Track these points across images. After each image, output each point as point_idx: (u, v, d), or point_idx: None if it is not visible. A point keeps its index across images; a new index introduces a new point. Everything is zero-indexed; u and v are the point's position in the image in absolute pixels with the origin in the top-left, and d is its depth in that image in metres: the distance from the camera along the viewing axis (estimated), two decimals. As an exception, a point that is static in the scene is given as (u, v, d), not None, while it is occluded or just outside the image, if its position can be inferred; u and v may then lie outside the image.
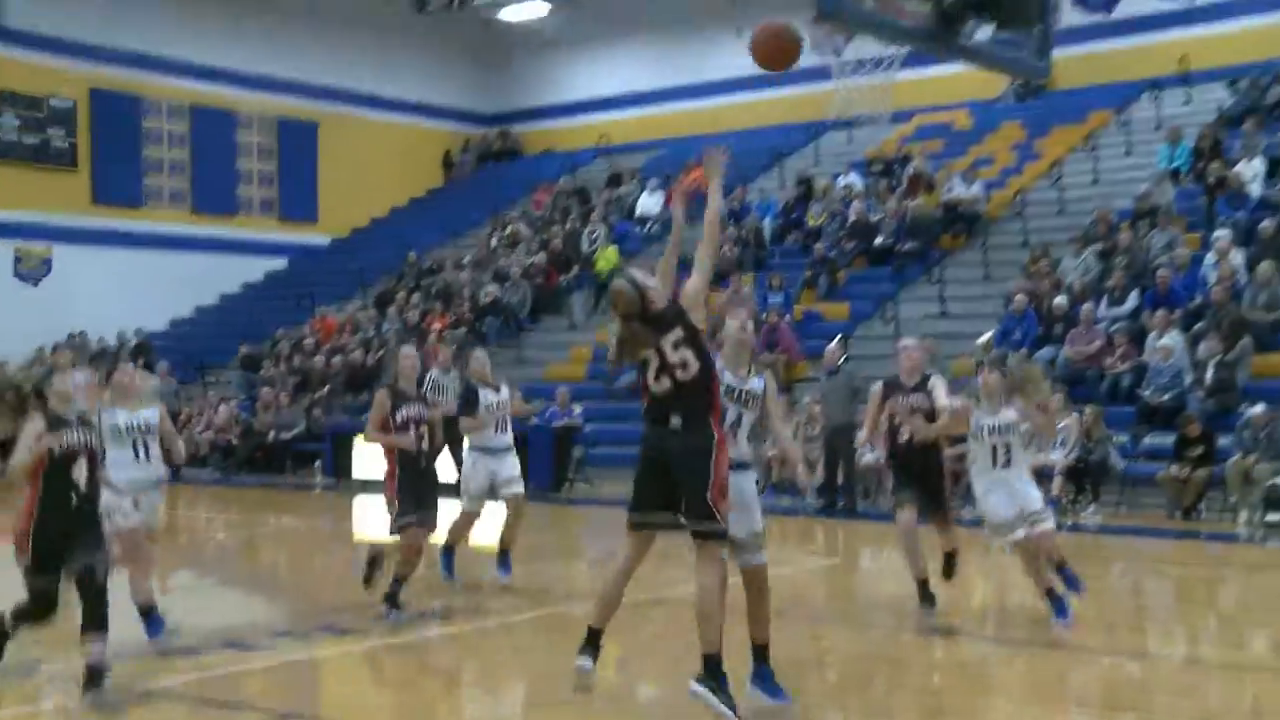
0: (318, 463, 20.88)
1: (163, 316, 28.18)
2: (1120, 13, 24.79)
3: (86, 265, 26.68)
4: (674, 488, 5.79)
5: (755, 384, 6.52)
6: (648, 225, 25.37)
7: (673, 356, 5.91)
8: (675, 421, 5.84)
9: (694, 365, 5.89)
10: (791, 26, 6.26)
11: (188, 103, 28.92)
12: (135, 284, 26.99)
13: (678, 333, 5.97)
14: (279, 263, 30.25)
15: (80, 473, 6.64)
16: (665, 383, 5.90)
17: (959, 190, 21.09)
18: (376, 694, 7.28)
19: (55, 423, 6.66)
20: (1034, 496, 8.29)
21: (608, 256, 22.86)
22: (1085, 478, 14.69)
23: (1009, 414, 8.22)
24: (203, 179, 29.19)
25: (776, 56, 6.11)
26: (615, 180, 27.54)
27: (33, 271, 26.71)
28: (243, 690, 7.14)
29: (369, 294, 26.25)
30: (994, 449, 8.22)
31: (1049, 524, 8.34)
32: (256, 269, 29.87)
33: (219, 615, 8.83)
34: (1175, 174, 19.63)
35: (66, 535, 6.59)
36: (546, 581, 10.71)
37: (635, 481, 5.97)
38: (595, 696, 6.14)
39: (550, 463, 18.02)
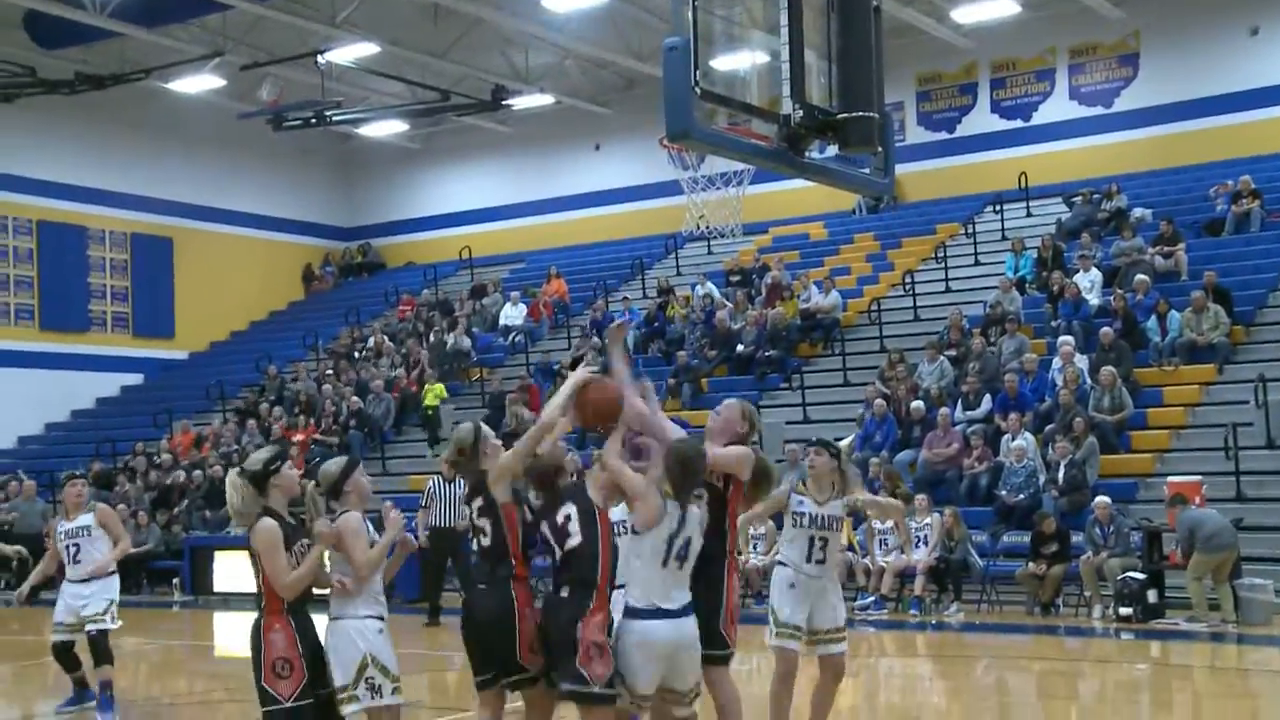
0: (175, 580, 20.26)
1: (10, 434, 27.20)
2: (961, 131, 26.05)
3: (-70, 384, 25.69)
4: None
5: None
6: (511, 335, 25.46)
7: (477, 521, 6.12)
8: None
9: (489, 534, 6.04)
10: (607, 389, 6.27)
11: (35, 218, 28.27)
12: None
13: (479, 501, 6.11)
14: (134, 378, 29.51)
15: None
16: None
17: (816, 299, 21.65)
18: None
19: None
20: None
21: (436, 391, 22.81)
22: (947, 577, 15.00)
23: (836, 505, 7.26)
24: (52, 295, 28.43)
25: (605, 412, 6.19)
26: (479, 292, 27.62)
27: None
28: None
29: (229, 408, 25.71)
30: (811, 540, 7.20)
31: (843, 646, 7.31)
32: (111, 384, 29.07)
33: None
34: (1021, 283, 20.47)
35: None
36: (419, 693, 10.48)
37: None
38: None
39: (416, 574, 17.73)
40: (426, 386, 23.00)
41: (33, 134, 27.49)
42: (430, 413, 22.49)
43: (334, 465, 6.14)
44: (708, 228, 22.24)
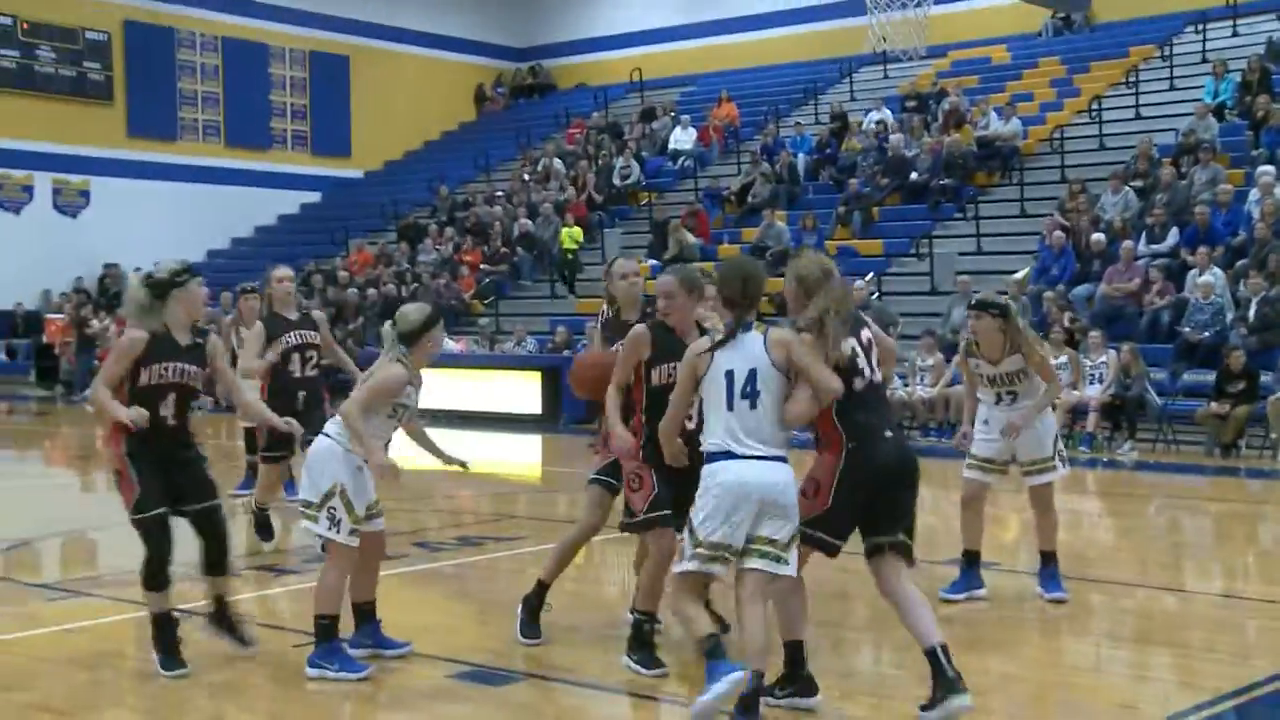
0: (352, 393, 20.98)
1: (199, 248, 28.21)
2: (1165, -56, 24.28)
3: (123, 198, 26.77)
4: None
5: None
6: (680, 160, 25.16)
7: None
8: None
9: None
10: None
11: (220, 35, 28.78)
12: (171, 216, 27.10)
13: None
14: (313, 196, 30.25)
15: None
16: None
17: (996, 126, 20.76)
18: (412, 616, 7.28)
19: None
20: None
21: (573, 235, 22.47)
22: (1122, 414, 14.52)
23: (1013, 362, 6.99)
24: (236, 113, 29.12)
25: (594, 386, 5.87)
26: (648, 115, 27.29)
27: (71, 204, 26.82)
28: (276, 612, 7.16)
29: (402, 225, 26.18)
30: (998, 395, 7.13)
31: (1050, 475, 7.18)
32: (290, 202, 29.88)
33: (250, 540, 8.84)
34: (1220, 109, 19.23)
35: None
36: (564, 511, 10.70)
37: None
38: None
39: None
40: (564, 230, 22.62)
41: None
42: (570, 256, 22.20)
43: (416, 312, 5.79)
44: (889, 49, 21.55)
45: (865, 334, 5.18)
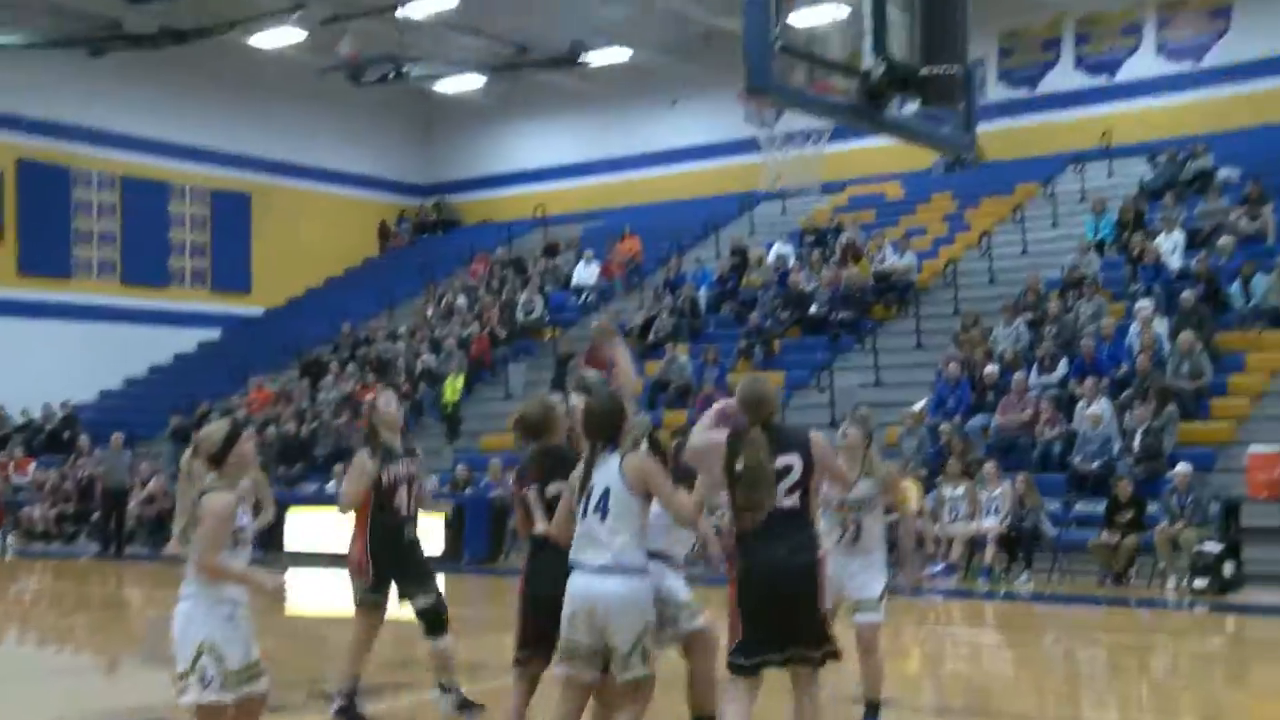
0: (248, 536, 20.59)
1: (91, 388, 27.75)
2: (1043, 88, 25.49)
3: (13, 337, 26.28)
4: None
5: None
6: (584, 295, 25.45)
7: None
8: None
9: None
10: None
11: (119, 174, 28.74)
12: (63, 355, 26.62)
13: None
14: (212, 333, 29.98)
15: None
16: None
17: (891, 260, 21.37)
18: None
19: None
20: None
21: (455, 386, 22.52)
22: (1018, 545, 14.81)
23: (865, 485, 7.13)
24: (133, 250, 28.93)
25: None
26: (552, 250, 27.63)
27: (-43, 344, 26.26)
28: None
29: (304, 363, 26.03)
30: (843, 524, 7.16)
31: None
32: (189, 340, 29.56)
33: (144, 694, 8.62)
34: (1100, 245, 20.05)
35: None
36: (483, 655, 10.57)
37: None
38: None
39: (486, 534, 17.95)
40: (448, 380, 22.47)
41: (117, 89, 27.91)
42: (449, 409, 22.14)
43: (216, 431, 5.53)
44: (784, 186, 22.20)
45: (783, 459, 5.57)
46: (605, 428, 5.73)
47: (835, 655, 5.71)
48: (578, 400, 6.27)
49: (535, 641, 6.09)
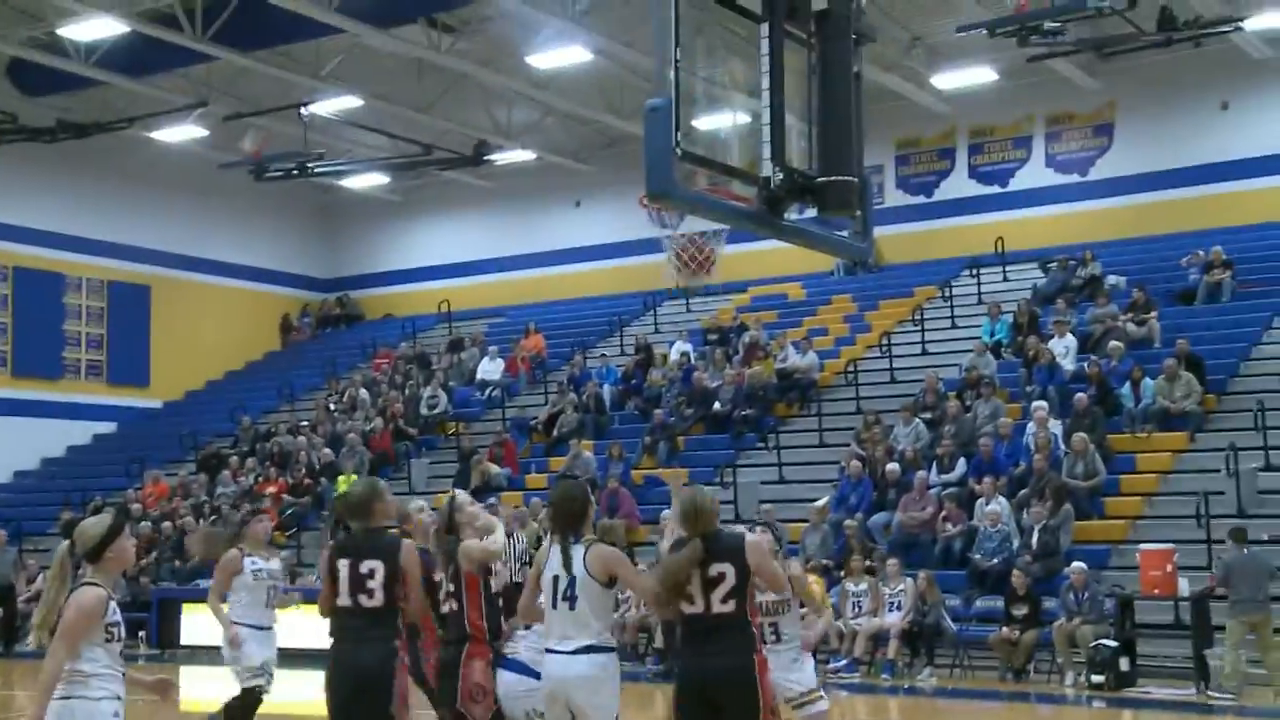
0: (142, 632, 19.99)
1: (-22, 480, 26.90)
2: (939, 195, 26.30)
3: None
4: None
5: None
6: (488, 390, 25.40)
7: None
8: None
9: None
10: None
11: (10, 264, 28.14)
12: (-51, 446, 25.81)
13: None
14: (108, 426, 29.24)
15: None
16: None
17: (794, 359, 21.69)
18: None
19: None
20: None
21: (349, 480, 22.14)
22: (920, 640, 14.94)
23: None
24: (25, 342, 28.23)
25: None
26: (456, 346, 27.57)
27: None
28: None
29: (202, 457, 25.50)
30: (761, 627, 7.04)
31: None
32: (83, 432, 28.81)
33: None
34: (997, 347, 20.59)
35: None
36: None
37: None
38: None
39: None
40: (340, 478, 21.95)
41: (11, 180, 27.41)
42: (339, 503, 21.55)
43: (95, 525, 5.38)
44: (687, 286, 22.48)
45: (716, 568, 5.79)
46: (570, 518, 6.11)
47: None
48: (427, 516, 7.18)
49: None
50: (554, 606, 6.00)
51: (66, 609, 5.16)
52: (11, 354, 28.13)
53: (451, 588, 6.81)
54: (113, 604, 5.27)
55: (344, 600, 6.39)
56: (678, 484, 7.25)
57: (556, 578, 6.00)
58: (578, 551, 6.01)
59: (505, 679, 6.68)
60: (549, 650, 6.05)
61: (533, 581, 6.22)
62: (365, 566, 6.35)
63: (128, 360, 29.98)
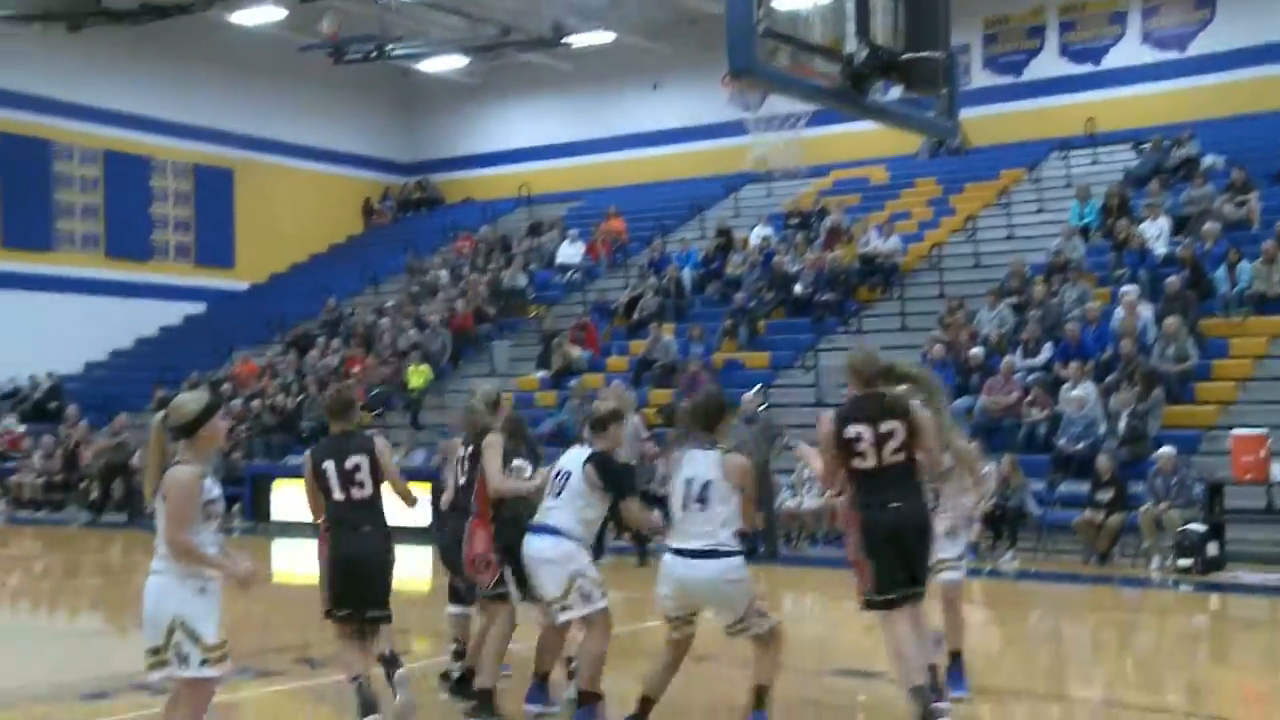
0: (236, 506, 20.50)
1: (76, 360, 27.55)
2: (1028, 75, 25.52)
3: (-1, 310, 26.12)
4: None
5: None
6: (568, 273, 25.38)
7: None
8: None
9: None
10: None
11: (101, 148, 28.46)
12: (49, 328, 26.43)
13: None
14: (197, 307, 29.81)
15: None
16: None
17: (876, 243, 21.37)
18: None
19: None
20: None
21: (421, 374, 22.24)
22: (1003, 524, 14.83)
23: None
24: (116, 224, 28.69)
25: None
26: (536, 230, 27.54)
27: (-58, 316, 26.03)
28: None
29: (287, 339, 25.89)
30: None
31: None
32: (173, 313, 29.39)
33: (133, 660, 8.51)
34: (1085, 230, 20.08)
35: None
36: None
37: None
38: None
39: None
40: (411, 368, 22.11)
41: (99, 65, 27.66)
42: (415, 395, 21.74)
43: (191, 402, 5.34)
44: (770, 169, 22.17)
45: (888, 424, 6.30)
46: (710, 422, 6.40)
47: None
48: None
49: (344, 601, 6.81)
50: (684, 508, 6.23)
51: (166, 492, 5.17)
52: (104, 236, 28.60)
53: (468, 465, 7.22)
54: (206, 481, 5.25)
55: (338, 495, 6.79)
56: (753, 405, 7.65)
57: (690, 480, 6.23)
58: (714, 456, 6.26)
59: (536, 544, 6.82)
60: (676, 551, 6.26)
61: (547, 474, 6.96)
62: (350, 463, 6.80)
63: (214, 243, 30.40)
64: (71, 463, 21.92)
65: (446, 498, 7.41)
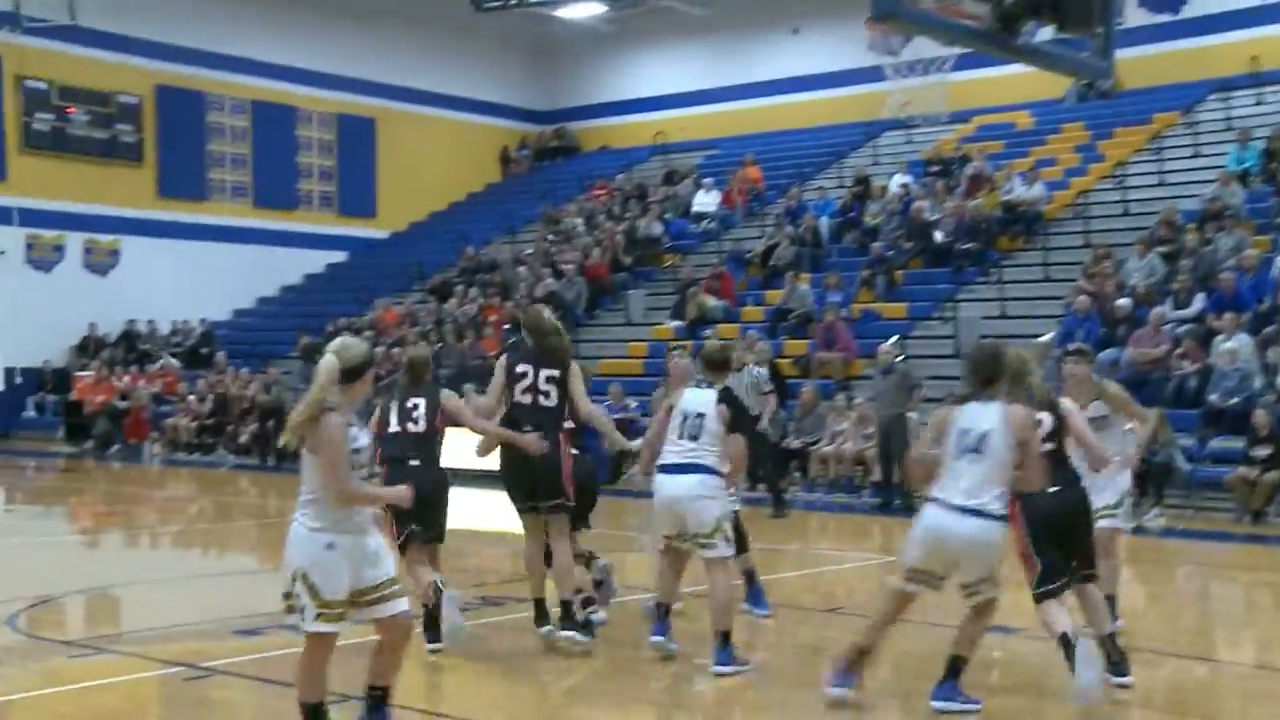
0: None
1: (226, 307, 28.47)
2: (1188, 12, 24.41)
3: (153, 257, 27.06)
4: None
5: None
6: (704, 222, 25.27)
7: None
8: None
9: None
10: None
11: (249, 98, 29.19)
12: (199, 275, 27.38)
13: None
14: (339, 255, 30.51)
15: None
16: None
17: (1019, 191, 20.80)
18: (441, 677, 7.25)
19: None
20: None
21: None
22: (1149, 480, 14.38)
23: (1096, 407, 7.50)
24: (264, 174, 29.46)
25: None
26: (671, 178, 27.46)
27: (101, 263, 27.08)
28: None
29: (427, 287, 26.32)
30: None
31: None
32: (317, 261, 30.14)
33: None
34: (1244, 176, 19.24)
35: None
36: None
37: None
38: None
39: (606, 457, 17.98)
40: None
41: (248, 16, 28.42)
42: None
43: (359, 346, 5.39)
44: (911, 115, 21.69)
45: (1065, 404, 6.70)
46: (985, 373, 6.28)
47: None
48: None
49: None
50: (958, 458, 6.15)
51: (319, 441, 5.17)
52: (252, 185, 29.39)
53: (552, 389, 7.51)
54: (353, 430, 5.27)
55: (394, 427, 7.52)
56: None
57: (967, 431, 6.15)
58: (994, 409, 6.17)
59: (687, 481, 6.93)
60: (939, 500, 6.18)
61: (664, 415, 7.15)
62: (411, 402, 7.57)
63: (356, 192, 31.04)
64: (222, 407, 22.66)
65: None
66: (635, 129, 31.57)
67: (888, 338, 17.52)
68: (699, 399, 7.00)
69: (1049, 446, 6.49)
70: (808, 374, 18.34)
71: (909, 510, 14.88)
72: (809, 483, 16.55)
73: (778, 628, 8.47)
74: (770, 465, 14.85)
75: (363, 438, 5.33)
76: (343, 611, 5.25)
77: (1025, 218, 20.60)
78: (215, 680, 6.90)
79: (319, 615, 5.19)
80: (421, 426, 7.49)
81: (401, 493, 5.55)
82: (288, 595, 5.27)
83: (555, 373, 7.42)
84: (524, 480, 7.41)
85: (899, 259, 20.72)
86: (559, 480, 7.37)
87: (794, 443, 16.63)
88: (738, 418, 7.00)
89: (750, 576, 8.46)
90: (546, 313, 7.77)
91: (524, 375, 7.44)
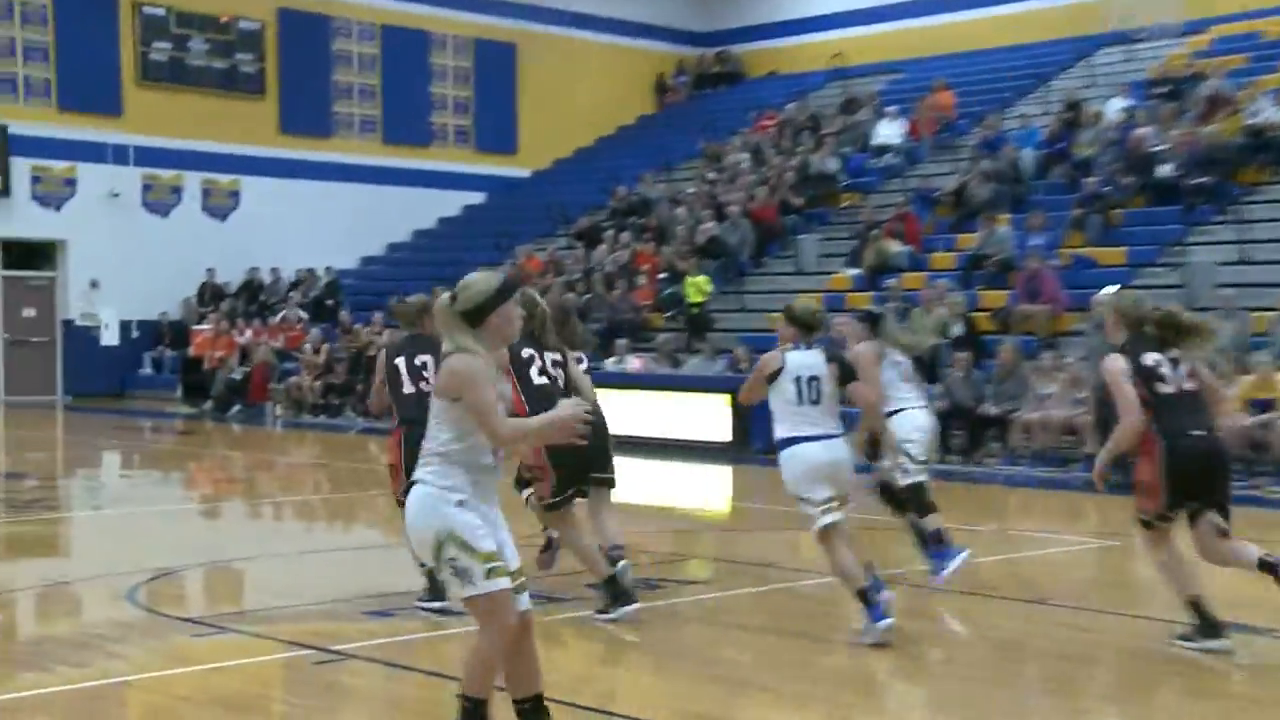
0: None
1: (353, 254, 29.04)
2: None
3: (274, 199, 27.72)
4: None
5: None
6: (886, 156, 24.88)
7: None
8: None
9: None
10: None
11: (379, 23, 29.61)
12: (324, 219, 27.98)
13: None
14: (476, 197, 30.85)
15: None
16: None
17: (1268, 113, 19.95)
18: (579, 665, 7.27)
19: None
20: None
21: (698, 285, 21.44)
22: None
23: None
24: (394, 107, 29.91)
25: None
26: (849, 107, 27.08)
27: (221, 206, 27.85)
28: (439, 656, 7.20)
29: (573, 231, 26.46)
30: None
31: None
32: (452, 203, 30.50)
33: (414, 578, 8.89)
34: None
35: None
36: (751, 551, 10.56)
37: None
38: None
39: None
40: (689, 280, 21.53)
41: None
42: (695, 310, 21.23)
43: (483, 282, 5.04)
44: (1133, 28, 20.93)
45: (1173, 351, 7.24)
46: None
47: None
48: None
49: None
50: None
51: (449, 386, 4.94)
52: (381, 119, 29.86)
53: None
54: (494, 373, 5.00)
55: (408, 389, 8.03)
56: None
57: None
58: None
59: (836, 448, 7.53)
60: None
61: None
62: (419, 360, 8.01)
63: (494, 126, 31.32)
64: (354, 366, 23.12)
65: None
66: (808, 51, 31.26)
67: (1103, 287, 16.97)
68: (807, 361, 7.50)
69: (1190, 384, 7.25)
70: (1007, 329, 17.95)
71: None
72: (1009, 454, 16.20)
73: (969, 620, 8.32)
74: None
75: (505, 390, 5.12)
76: (503, 566, 4.97)
77: (1274, 145, 19.76)
78: (347, 665, 7.01)
79: (490, 571, 4.91)
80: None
81: (569, 414, 4.99)
82: (435, 568, 5.05)
83: (557, 356, 8.09)
84: (579, 456, 7.67)
85: (1117, 196, 20.11)
86: (609, 449, 8.32)
87: (991, 409, 16.29)
88: (847, 371, 7.63)
89: (937, 537, 8.93)
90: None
91: (531, 360, 7.92)
